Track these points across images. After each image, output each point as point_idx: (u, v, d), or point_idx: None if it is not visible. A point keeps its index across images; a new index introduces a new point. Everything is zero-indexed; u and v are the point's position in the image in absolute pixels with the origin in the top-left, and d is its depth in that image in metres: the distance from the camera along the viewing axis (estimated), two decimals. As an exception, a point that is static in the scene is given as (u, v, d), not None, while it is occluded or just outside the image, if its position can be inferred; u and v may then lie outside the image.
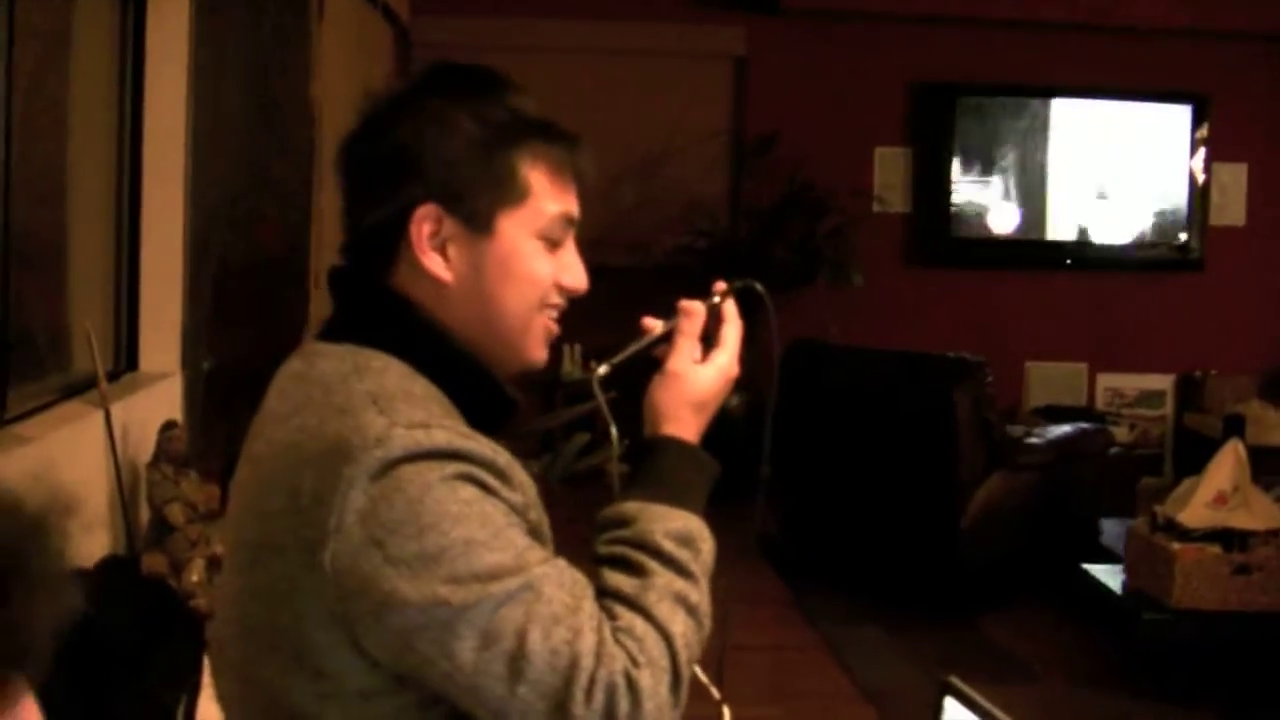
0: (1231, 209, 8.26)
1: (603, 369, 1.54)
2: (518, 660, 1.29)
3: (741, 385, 6.67)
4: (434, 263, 1.45)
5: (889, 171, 8.12)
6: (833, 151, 7.87)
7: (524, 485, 1.41)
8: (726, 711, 1.60)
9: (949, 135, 7.96)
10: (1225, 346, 8.18)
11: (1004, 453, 5.44)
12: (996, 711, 1.17)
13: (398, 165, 1.44)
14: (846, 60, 8.02)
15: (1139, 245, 8.16)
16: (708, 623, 1.43)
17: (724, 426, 7.00)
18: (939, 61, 7.99)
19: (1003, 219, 8.07)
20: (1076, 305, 8.16)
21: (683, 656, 1.36)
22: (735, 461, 7.53)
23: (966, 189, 8.01)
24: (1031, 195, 8.07)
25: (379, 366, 1.42)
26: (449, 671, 1.30)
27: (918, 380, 5.53)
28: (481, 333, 1.48)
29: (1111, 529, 5.39)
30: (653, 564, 1.40)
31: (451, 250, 1.45)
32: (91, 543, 3.65)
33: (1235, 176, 8.24)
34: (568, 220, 1.50)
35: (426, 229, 1.44)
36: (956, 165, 7.98)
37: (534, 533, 1.40)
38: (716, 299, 1.58)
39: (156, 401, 4.13)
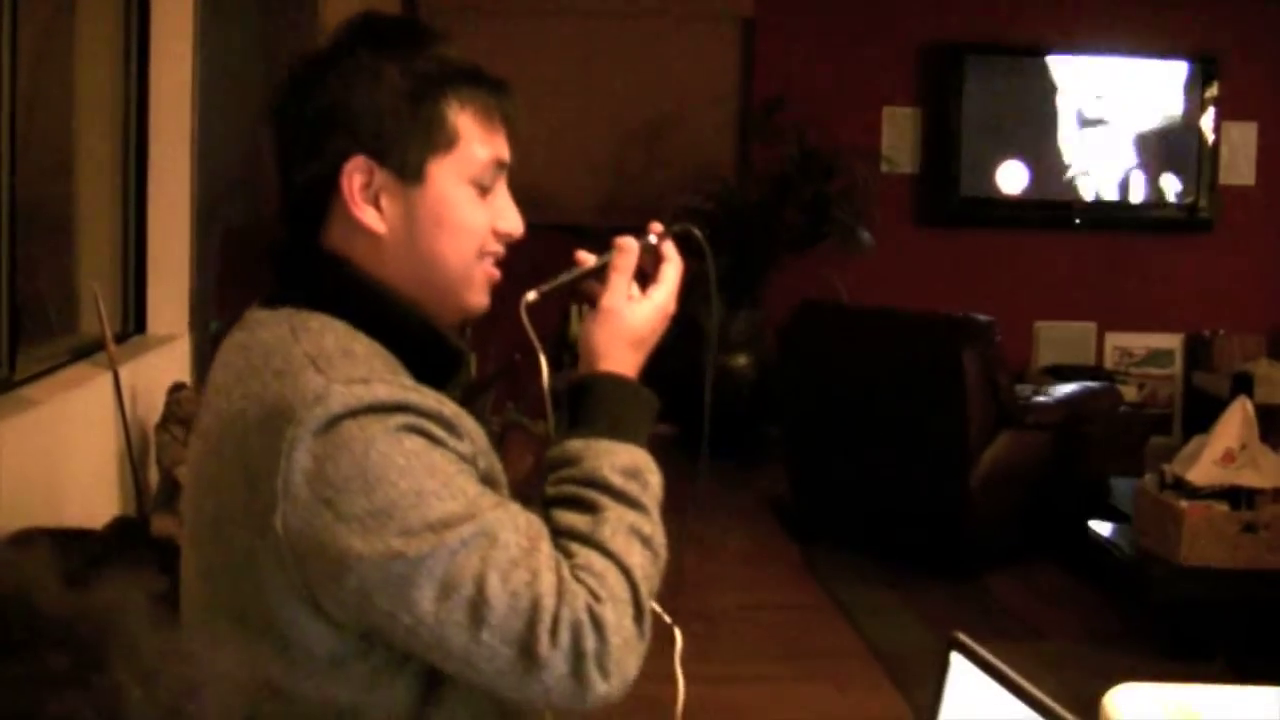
0: (1241, 168, 8.22)
1: (531, 295, 1.53)
2: (478, 607, 1.29)
3: (746, 347, 6.68)
4: (367, 215, 1.44)
5: (897, 132, 8.09)
6: (841, 112, 7.84)
7: (472, 433, 1.41)
8: (678, 634, 1.59)
9: (957, 95, 7.92)
10: (1234, 306, 8.16)
11: (1013, 412, 5.44)
12: (1004, 667, 1.17)
13: (326, 121, 1.43)
14: (854, 21, 7.98)
15: (1148, 205, 8.13)
16: (663, 553, 1.42)
17: (730, 387, 7.03)
18: (947, 21, 7.94)
19: (1011, 179, 8.04)
20: (1085, 265, 8.13)
21: (643, 588, 1.36)
22: (743, 423, 7.55)
23: (975, 149, 7.98)
24: (1040, 155, 8.03)
25: (317, 327, 1.41)
26: (411, 625, 1.30)
27: (926, 340, 5.52)
28: (420, 283, 1.47)
29: (1120, 488, 5.39)
30: (603, 499, 1.40)
31: (384, 201, 1.44)
32: (101, 504, 3.66)
33: (1245, 135, 8.19)
34: (499, 165, 1.49)
35: (358, 181, 1.43)
36: (965, 125, 7.94)
37: (486, 480, 1.40)
38: (653, 239, 1.56)
39: (165, 363, 4.14)
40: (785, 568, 5.59)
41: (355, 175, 1.43)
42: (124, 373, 3.78)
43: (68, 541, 2.96)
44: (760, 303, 7.44)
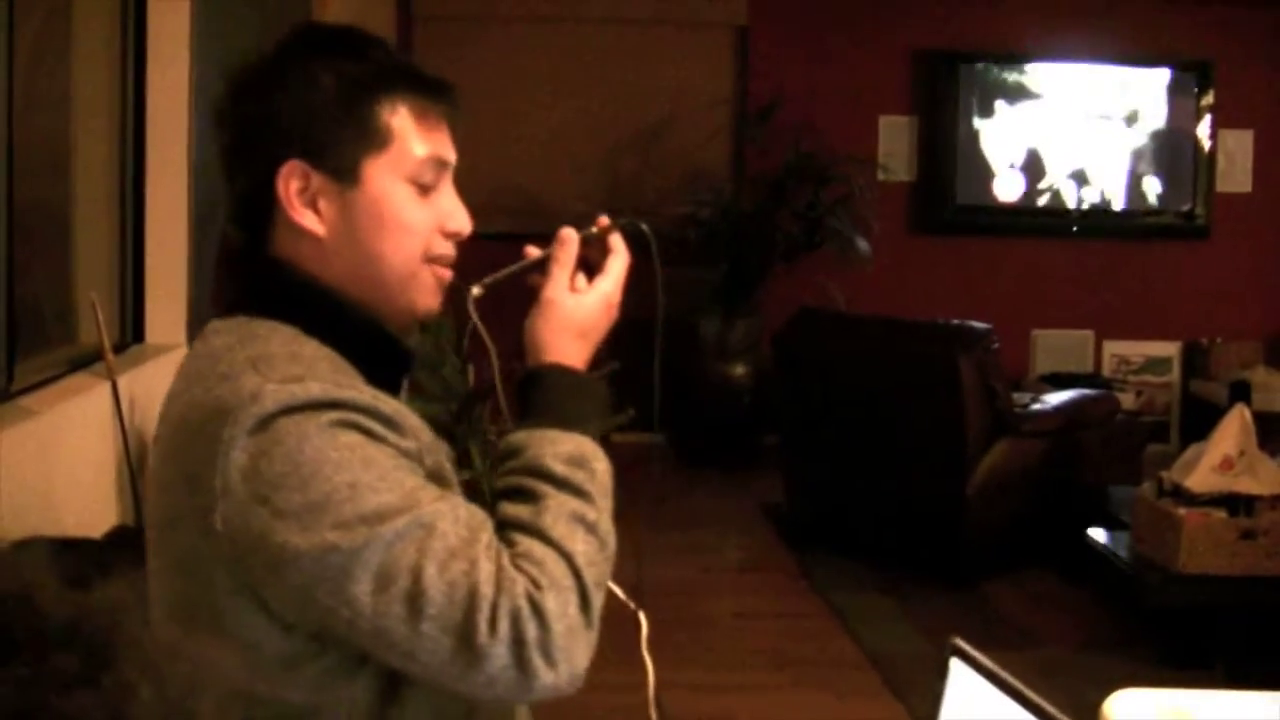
0: (1237, 175, 8.23)
1: (476, 289, 1.54)
2: (416, 598, 1.29)
3: (743, 355, 6.68)
4: (306, 218, 1.45)
5: (893, 140, 8.10)
6: (837, 120, 7.85)
7: (416, 430, 1.41)
8: (643, 619, 1.58)
9: (953, 103, 7.93)
10: (1231, 313, 8.17)
11: (1010, 420, 5.44)
12: (1004, 674, 1.18)
13: (261, 127, 1.45)
14: (849, 28, 7.99)
15: (1145, 212, 8.14)
16: (611, 541, 1.41)
17: (728, 395, 7.02)
18: (943, 29, 7.95)
19: (1008, 187, 8.05)
20: (1082, 272, 8.14)
21: (588, 575, 1.35)
22: (741, 431, 7.55)
23: (971, 157, 7.99)
24: (1036, 162, 8.04)
25: (264, 333, 1.43)
26: (351, 618, 1.30)
27: (924, 348, 5.52)
28: (365, 285, 1.48)
29: (1118, 495, 5.39)
30: (545, 488, 1.39)
31: (322, 204, 1.46)
32: (100, 513, 3.66)
33: (1241, 143, 8.21)
34: (439, 163, 1.49)
35: (294, 185, 1.45)
36: (961, 133, 7.95)
37: (434, 477, 1.40)
38: (595, 230, 1.57)
39: (163, 373, 4.11)
40: (782, 576, 5.59)
41: (291, 179, 1.45)
42: (122, 382, 3.78)
43: (67, 550, 2.96)
44: (758, 311, 7.44)
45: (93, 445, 3.70)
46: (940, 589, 5.27)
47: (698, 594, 5.23)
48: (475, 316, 1.54)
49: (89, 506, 3.61)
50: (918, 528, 5.50)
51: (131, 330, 4.41)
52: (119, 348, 4.14)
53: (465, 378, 5.28)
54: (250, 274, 1.50)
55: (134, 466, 3.78)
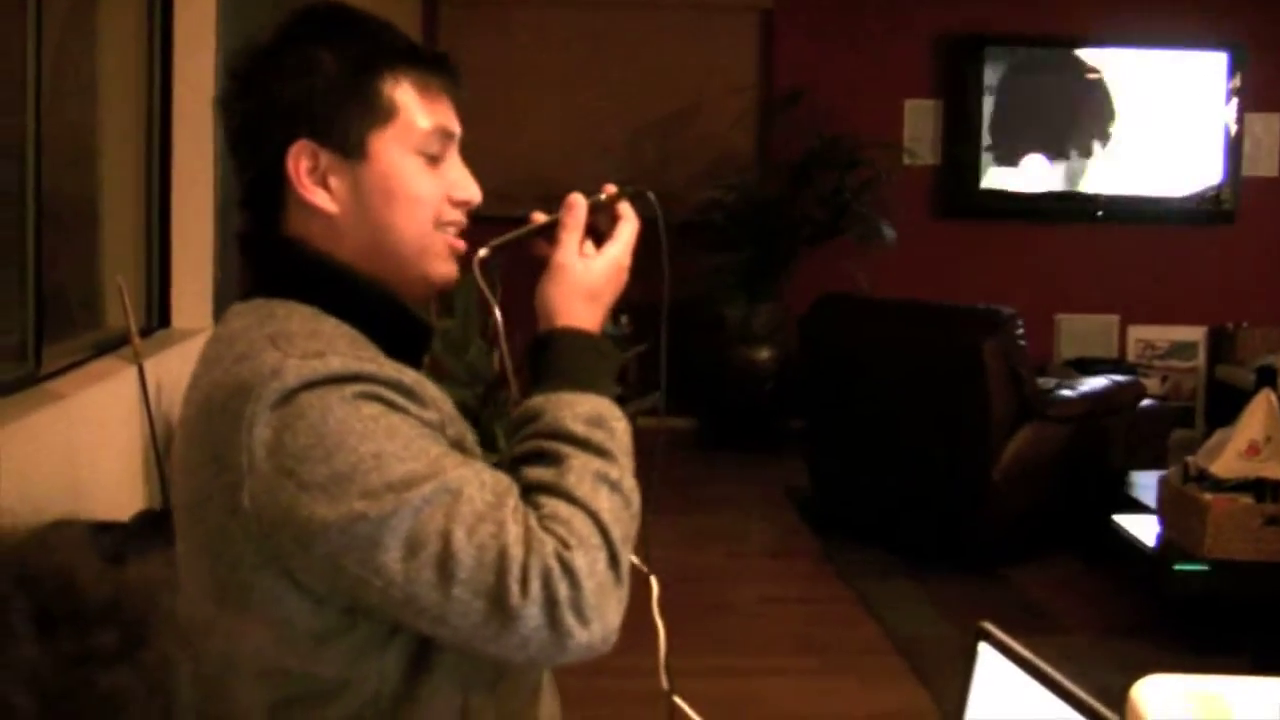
0: (1264, 160, 8.18)
1: (483, 251, 1.55)
2: (446, 562, 1.29)
3: (768, 340, 6.66)
4: (317, 196, 1.47)
5: (918, 124, 8.07)
6: (861, 105, 7.83)
7: (437, 401, 1.42)
8: (654, 583, 1.59)
9: (978, 87, 7.90)
10: (1257, 297, 8.12)
11: (1035, 405, 5.43)
12: (1033, 658, 1.17)
13: (266, 111, 1.46)
14: (874, 12, 7.97)
15: (1170, 196, 8.09)
16: (635, 498, 1.41)
17: (752, 380, 7.03)
18: (968, 12, 7.92)
19: (1033, 171, 8.02)
20: (1107, 257, 8.10)
21: (615, 532, 1.35)
22: (765, 415, 7.54)
23: (996, 141, 7.96)
24: (1061, 147, 8.01)
25: (283, 313, 1.44)
26: (383, 587, 1.30)
27: (948, 333, 5.51)
28: (379, 258, 1.49)
29: (1143, 481, 5.38)
30: (566, 449, 1.39)
31: (332, 181, 1.47)
32: (127, 497, 3.68)
33: (1268, 127, 8.16)
34: (444, 134, 1.51)
35: (304, 164, 1.46)
36: (986, 117, 7.92)
37: (456, 446, 1.41)
38: (603, 197, 1.58)
39: (189, 357, 4.14)
40: (806, 561, 5.59)
41: (300, 159, 1.46)
42: (149, 366, 3.80)
43: (99, 532, 2.98)
44: (782, 295, 7.43)
45: (120, 429, 3.72)
46: (965, 574, 5.26)
47: (722, 579, 5.23)
48: (479, 276, 1.54)
49: (116, 490, 3.63)
50: (942, 512, 5.49)
51: (158, 314, 4.43)
52: (145, 332, 4.16)
53: (490, 362, 5.29)
54: (265, 256, 1.52)
55: (161, 450, 3.79)
